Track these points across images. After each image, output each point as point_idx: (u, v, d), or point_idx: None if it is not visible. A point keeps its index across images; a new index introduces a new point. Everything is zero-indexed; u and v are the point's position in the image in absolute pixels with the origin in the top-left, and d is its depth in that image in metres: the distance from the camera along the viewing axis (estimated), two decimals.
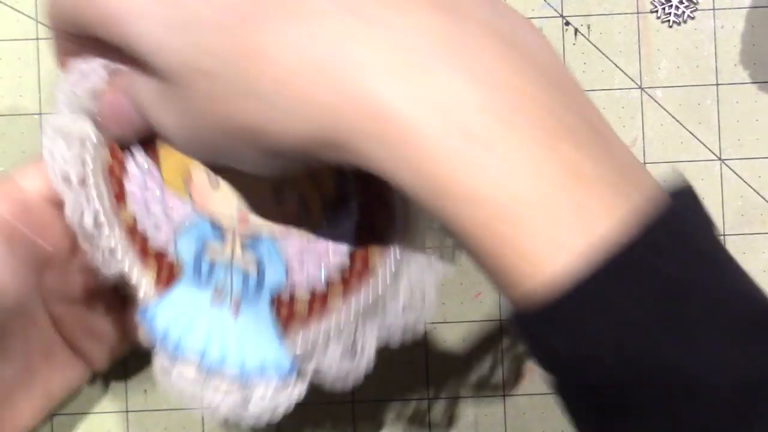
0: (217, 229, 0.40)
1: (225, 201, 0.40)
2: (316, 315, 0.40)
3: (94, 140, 0.40)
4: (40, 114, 0.48)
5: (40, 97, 0.48)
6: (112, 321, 0.44)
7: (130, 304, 0.44)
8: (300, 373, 0.40)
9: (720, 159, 0.48)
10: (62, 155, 0.40)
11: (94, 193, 0.40)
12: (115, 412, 0.47)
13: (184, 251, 0.40)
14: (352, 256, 0.39)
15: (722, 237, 0.48)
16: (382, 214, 0.39)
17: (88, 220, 0.40)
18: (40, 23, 0.48)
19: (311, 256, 0.40)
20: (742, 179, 0.48)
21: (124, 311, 0.44)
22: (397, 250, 0.39)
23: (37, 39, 0.48)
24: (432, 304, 0.39)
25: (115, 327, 0.44)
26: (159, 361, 0.40)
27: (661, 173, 0.48)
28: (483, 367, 0.48)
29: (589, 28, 0.48)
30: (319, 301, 0.40)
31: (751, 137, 0.48)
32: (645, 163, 0.48)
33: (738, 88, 0.48)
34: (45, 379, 0.43)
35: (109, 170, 0.40)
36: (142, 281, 0.40)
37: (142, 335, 0.41)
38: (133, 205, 0.40)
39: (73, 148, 0.40)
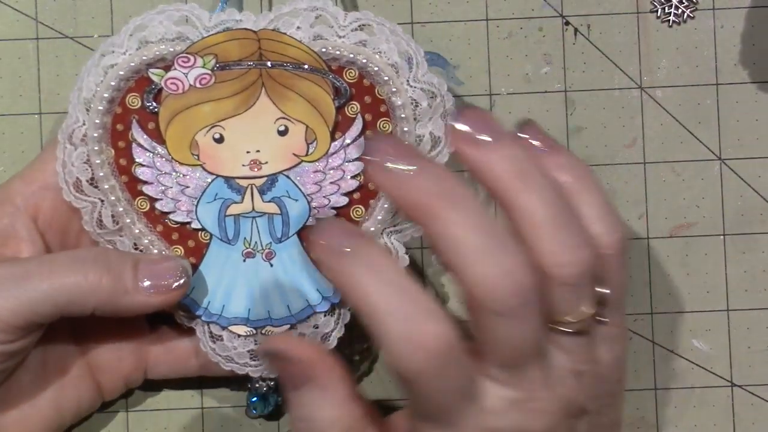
0: (233, 184, 0.41)
1: (233, 152, 0.41)
2: None
3: (95, 135, 0.41)
4: (40, 114, 0.48)
5: (40, 97, 0.48)
6: (132, 352, 0.44)
7: (152, 338, 0.45)
8: None
9: (720, 159, 0.48)
10: (70, 159, 0.41)
11: (107, 189, 0.41)
12: (115, 411, 0.47)
13: (206, 217, 0.42)
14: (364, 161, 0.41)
15: (722, 237, 0.48)
16: (384, 118, 0.41)
17: (107, 220, 0.41)
18: (40, 23, 0.48)
19: (328, 179, 0.41)
20: (742, 179, 0.48)
21: (146, 344, 0.44)
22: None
23: (37, 39, 0.48)
24: None
25: (135, 360, 0.44)
26: (205, 332, 0.42)
27: (660, 173, 0.48)
28: None
29: (589, 28, 0.48)
30: (343, 217, 0.42)
31: (751, 137, 0.48)
32: (645, 163, 0.48)
33: (738, 88, 0.48)
34: (56, 393, 0.43)
35: (115, 163, 0.41)
36: None
37: (181, 317, 0.43)
38: (147, 189, 0.42)
39: (79, 149, 0.41)
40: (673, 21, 0.48)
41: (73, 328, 0.43)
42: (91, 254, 0.40)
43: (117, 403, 0.47)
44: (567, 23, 0.48)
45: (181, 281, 0.40)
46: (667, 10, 0.48)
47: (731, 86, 0.48)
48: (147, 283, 0.39)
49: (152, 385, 0.47)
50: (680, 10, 0.48)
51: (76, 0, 0.48)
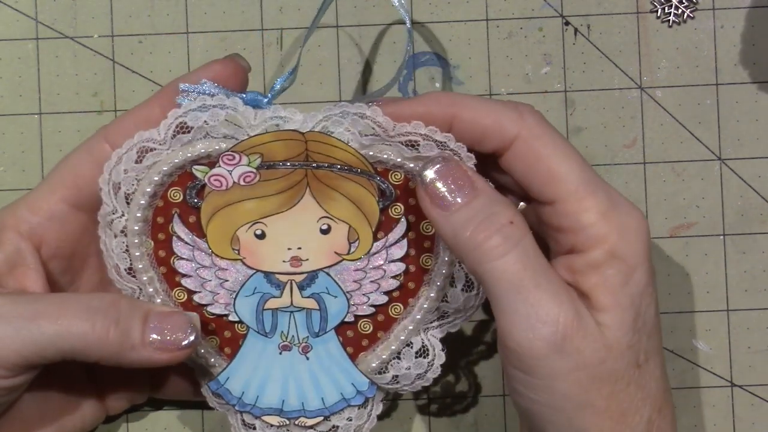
0: (272, 279, 0.41)
1: (274, 248, 0.41)
2: (381, 329, 0.41)
3: (135, 228, 0.40)
4: (40, 114, 0.48)
5: (39, 97, 0.48)
6: (138, 374, 0.44)
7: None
8: (378, 389, 0.42)
9: (720, 159, 0.48)
10: (110, 245, 0.40)
11: (145, 281, 0.41)
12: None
13: (244, 310, 0.41)
14: (405, 262, 0.41)
15: (722, 237, 0.48)
16: (428, 220, 0.40)
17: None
18: (40, 23, 0.48)
19: (368, 278, 0.41)
20: (742, 179, 0.48)
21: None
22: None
23: (37, 39, 0.48)
24: None
25: (140, 381, 0.44)
26: (238, 419, 0.42)
27: (660, 173, 0.48)
28: (483, 367, 0.48)
29: (589, 28, 0.48)
30: (381, 314, 0.41)
31: (751, 137, 0.48)
32: (645, 163, 0.48)
33: (738, 88, 0.48)
34: (60, 414, 0.43)
35: (155, 254, 0.41)
36: (208, 352, 0.41)
37: (215, 402, 0.42)
38: (186, 281, 0.41)
39: (118, 238, 0.40)
40: (673, 21, 0.48)
41: None
42: (103, 303, 0.39)
43: None
44: (567, 23, 0.48)
45: (190, 339, 0.39)
46: (667, 10, 0.48)
47: (731, 86, 0.48)
48: (154, 337, 0.39)
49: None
50: (680, 10, 0.48)
51: (76, 0, 0.48)
